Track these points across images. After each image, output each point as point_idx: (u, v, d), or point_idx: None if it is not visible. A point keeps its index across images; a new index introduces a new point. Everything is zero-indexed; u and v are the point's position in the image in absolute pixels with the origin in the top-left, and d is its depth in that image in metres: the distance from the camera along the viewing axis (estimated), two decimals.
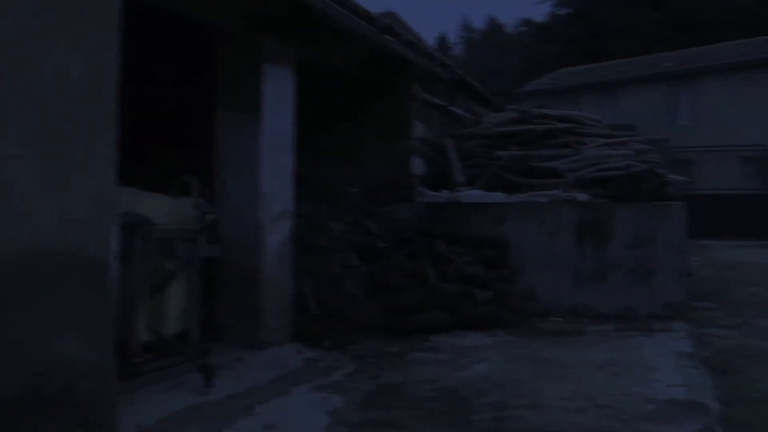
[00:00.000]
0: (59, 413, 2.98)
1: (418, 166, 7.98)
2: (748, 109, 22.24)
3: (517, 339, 6.29)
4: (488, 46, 55.46)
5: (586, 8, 40.52)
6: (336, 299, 6.07)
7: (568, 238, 7.41)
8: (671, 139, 18.69)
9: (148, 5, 4.49)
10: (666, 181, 8.01)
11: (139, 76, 5.50)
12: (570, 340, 6.26)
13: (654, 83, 25.51)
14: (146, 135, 6.32)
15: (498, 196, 7.83)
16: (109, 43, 3.25)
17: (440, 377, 4.96)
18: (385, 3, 12.19)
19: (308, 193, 6.30)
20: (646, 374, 5.06)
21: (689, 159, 21.23)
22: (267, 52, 5.49)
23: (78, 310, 3.10)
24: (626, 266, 7.30)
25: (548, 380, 4.88)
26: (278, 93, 5.63)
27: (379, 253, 6.79)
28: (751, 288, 9.65)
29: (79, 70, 3.12)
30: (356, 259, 6.57)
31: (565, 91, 26.22)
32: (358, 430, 3.82)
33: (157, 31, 6.05)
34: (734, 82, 23.40)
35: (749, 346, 6.17)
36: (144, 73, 6.31)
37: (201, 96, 5.98)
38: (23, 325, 2.89)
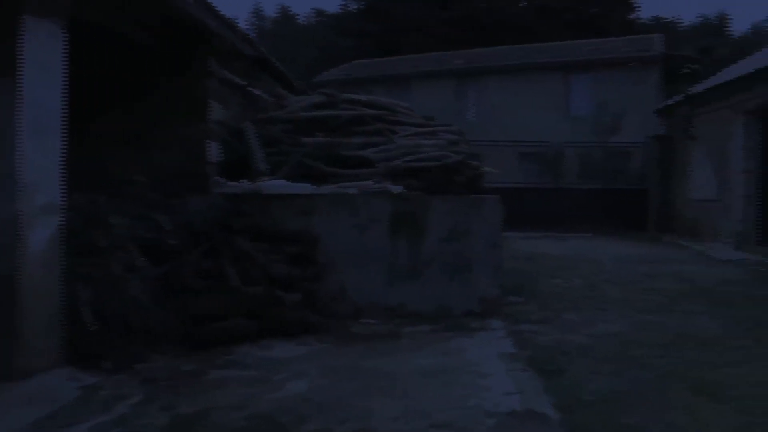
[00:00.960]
0: None
1: (214, 152, 7.08)
2: (527, 107, 23.56)
3: (332, 347, 5.69)
4: (280, 35, 54.52)
5: (379, 3, 41.07)
6: (118, 308, 5.07)
7: (381, 232, 6.94)
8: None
9: None
10: (480, 173, 7.84)
11: None
12: (388, 345, 5.77)
13: (444, 79, 26.24)
14: None
15: (304, 187, 7.16)
16: None
17: (250, 400, 4.23)
18: None
19: (84, 183, 5.22)
20: (476, 381, 4.70)
21: (476, 153, 21.98)
22: None
23: None
24: (442, 261, 7.00)
25: (374, 396, 4.34)
26: (43, 55, 4.52)
27: (170, 251, 5.85)
28: (552, 280, 9.88)
29: None
30: (143, 259, 5.60)
31: (359, 83, 26.19)
32: None
33: None
34: (514, 82, 24.66)
35: (565, 341, 6.12)
36: None
37: None
38: None
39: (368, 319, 6.65)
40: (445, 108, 23.93)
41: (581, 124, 22.93)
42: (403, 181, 7.38)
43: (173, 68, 7.01)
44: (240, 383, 4.58)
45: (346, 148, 7.63)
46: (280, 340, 5.70)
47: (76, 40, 4.86)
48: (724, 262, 12.32)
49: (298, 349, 5.55)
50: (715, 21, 52.81)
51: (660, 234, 17.71)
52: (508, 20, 37.86)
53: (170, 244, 5.93)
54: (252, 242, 6.32)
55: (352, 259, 6.86)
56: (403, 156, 7.64)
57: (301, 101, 8.49)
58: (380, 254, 6.92)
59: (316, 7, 57.77)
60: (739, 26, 55.87)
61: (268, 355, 5.35)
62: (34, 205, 4.45)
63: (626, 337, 6.29)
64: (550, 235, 17.39)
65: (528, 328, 6.61)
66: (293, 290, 6.13)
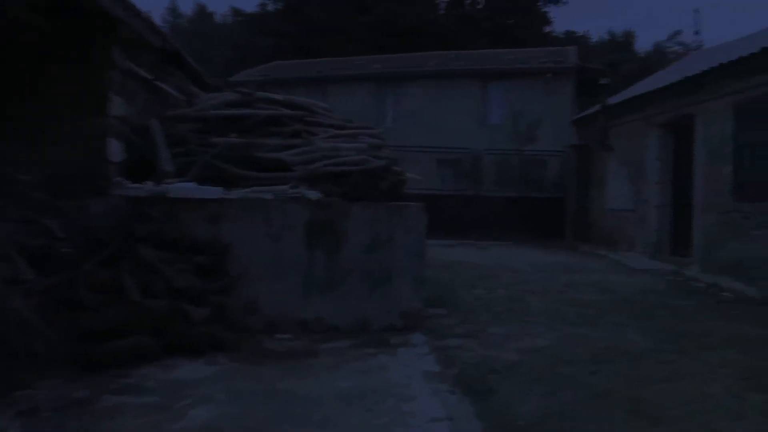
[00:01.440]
0: None
1: (116, 150, 6.47)
2: (445, 114, 23.63)
3: (243, 366, 5.20)
4: (196, 33, 53.07)
5: (297, 4, 40.59)
6: None
7: (297, 240, 6.50)
8: None
9: None
10: (402, 180, 7.51)
11: None
12: (305, 364, 5.33)
13: (363, 83, 25.94)
14: None
15: (214, 191, 6.65)
16: None
17: None
18: None
19: None
20: (401, 406, 4.34)
21: (395, 158, 21.94)
22: None
23: None
24: (362, 272, 6.63)
25: (291, 426, 3.90)
26: None
27: (63, 261, 5.25)
28: (475, 290, 9.66)
29: None
30: (29, 269, 4.97)
31: (277, 84, 25.47)
32: None
33: None
34: (432, 89, 24.68)
35: (492, 358, 5.83)
36: None
37: None
38: None
39: (283, 335, 6.19)
40: (364, 112, 23.55)
41: (498, 132, 23.03)
42: (322, 186, 6.98)
43: (71, 57, 6.38)
44: (137, 412, 4.05)
45: (260, 149, 7.16)
46: (186, 358, 5.18)
47: None
48: (641, 271, 12.42)
49: (205, 369, 5.05)
50: (621, 38, 54.59)
51: (577, 243, 17.90)
52: (426, 27, 37.80)
53: (62, 252, 5.33)
54: (156, 251, 5.76)
55: (266, 269, 6.41)
56: (322, 159, 7.23)
57: (214, 99, 7.97)
58: (296, 264, 6.50)
59: (234, 5, 56.44)
60: (643, 44, 57.80)
61: (171, 376, 4.82)
62: None
63: (555, 351, 6.06)
64: (469, 243, 17.29)
65: (453, 343, 6.30)
66: (201, 304, 5.61)
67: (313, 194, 6.83)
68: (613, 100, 16.94)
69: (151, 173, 6.74)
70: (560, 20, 53.93)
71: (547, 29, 44.37)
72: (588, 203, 18.36)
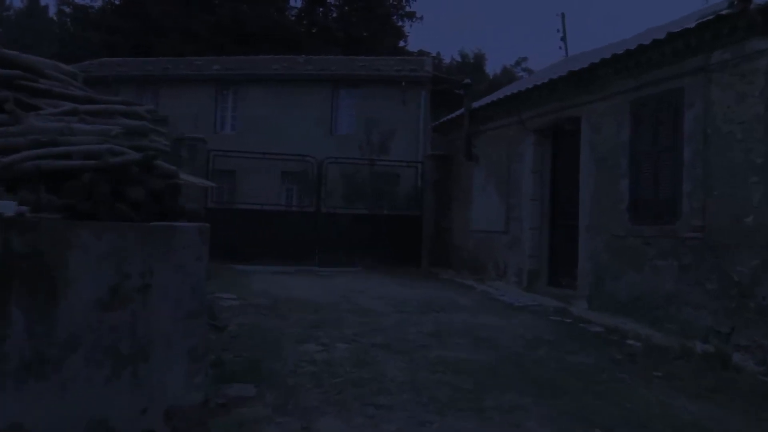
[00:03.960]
0: None
1: None
2: (291, 122, 21.90)
3: None
4: (26, 27, 47.99)
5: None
6: None
7: None
8: (218, 145, 16.58)
9: None
10: (176, 185, 4.67)
11: None
12: None
13: (201, 85, 23.57)
14: None
15: None
16: None
17: None
18: None
19: None
20: None
21: (232, 170, 19.65)
22: None
23: None
24: (95, 345, 3.88)
25: None
26: None
27: None
28: (305, 345, 6.97)
29: None
30: None
31: (101, 82, 22.24)
32: None
33: None
34: (278, 95, 22.91)
35: None
36: None
37: None
38: None
39: None
40: (201, 118, 22.24)
41: (348, 142, 21.15)
42: (26, 193, 3.99)
43: None
44: None
45: None
46: None
47: None
48: (519, 308, 10.17)
49: None
50: (473, 60, 54.74)
51: (437, 269, 15.60)
52: (275, 32, 35.79)
53: None
54: None
55: None
56: (35, 147, 4.21)
57: None
58: None
59: None
60: (492, 67, 58.80)
61: None
62: None
63: None
64: (309, 271, 14.59)
65: None
66: None
67: (9, 206, 3.84)
68: (484, 101, 14.69)
69: None
70: (413, 39, 53.95)
71: (402, 44, 43.09)
72: (450, 223, 16.04)
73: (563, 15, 19.45)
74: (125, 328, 3.92)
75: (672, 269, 8.33)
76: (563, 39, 19.07)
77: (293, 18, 41.18)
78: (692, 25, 7.89)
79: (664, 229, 8.55)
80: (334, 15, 41.97)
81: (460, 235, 15.36)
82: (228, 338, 7.06)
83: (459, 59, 55.37)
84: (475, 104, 14.59)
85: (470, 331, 8.07)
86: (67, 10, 42.63)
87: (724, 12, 7.39)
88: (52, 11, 52.86)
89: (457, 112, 15.84)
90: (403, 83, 22.51)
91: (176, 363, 4.07)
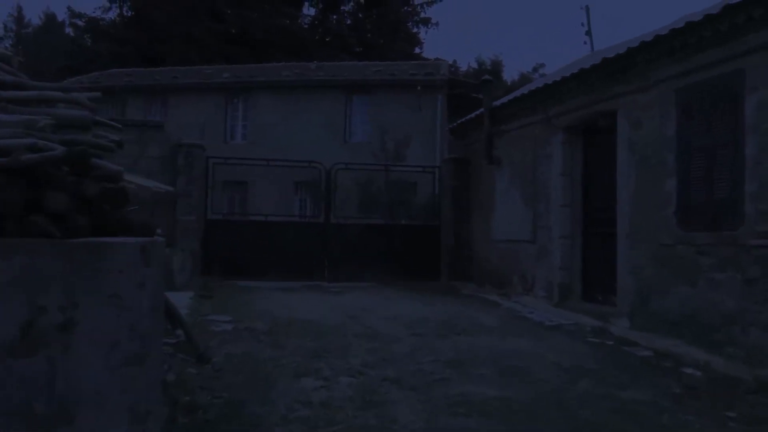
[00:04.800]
0: None
1: None
2: (303, 130, 21.19)
3: None
4: (42, 43, 48.01)
5: (145, 10, 36.27)
6: None
7: None
8: (228, 155, 15.67)
9: None
10: (117, 191, 3.53)
11: None
12: None
13: (210, 94, 23.01)
14: None
15: None
16: None
17: None
18: None
19: None
20: None
21: (243, 180, 19.18)
22: None
23: None
24: None
25: None
26: None
27: None
28: (302, 381, 5.85)
29: None
30: None
31: (109, 92, 21.94)
32: None
33: None
34: (289, 102, 22.23)
35: None
36: None
37: None
38: None
39: None
40: (210, 127, 21.63)
41: (362, 150, 19.98)
42: None
43: None
44: None
45: None
46: None
47: None
48: (552, 328, 8.99)
49: None
50: (489, 67, 53.62)
51: (456, 283, 14.38)
52: (286, 40, 35.11)
53: None
54: None
55: None
56: None
57: None
58: None
59: (76, 8, 51.79)
60: (509, 74, 57.67)
61: None
62: None
63: None
64: (317, 287, 13.46)
65: None
66: None
67: None
68: (505, 99, 13.48)
69: None
70: (429, 47, 52.99)
71: (417, 51, 42.16)
72: (470, 232, 14.86)
73: (587, 8, 18.16)
74: (40, 381, 2.86)
75: (734, 283, 7.12)
76: (588, 33, 17.79)
77: (305, 26, 40.46)
78: None
79: (722, 236, 7.34)
80: (348, 22, 41.25)
81: (482, 246, 14.17)
82: (211, 373, 5.96)
83: (476, 66, 54.43)
84: (497, 103, 13.40)
85: (497, 358, 6.89)
86: (79, 23, 42.39)
87: None
88: (67, 26, 53.26)
89: (476, 112, 14.66)
90: (419, 87, 21.75)
91: (111, 426, 3.00)
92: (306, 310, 9.92)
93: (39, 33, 54.25)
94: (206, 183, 13.84)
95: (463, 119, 15.62)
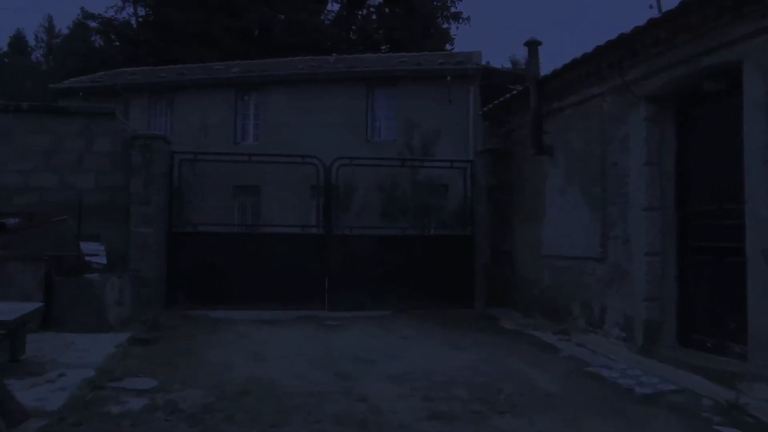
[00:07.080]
0: None
1: None
2: (321, 128, 19.52)
3: None
4: (72, 51, 47.51)
5: (160, 9, 35.82)
6: None
7: None
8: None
9: None
10: None
11: None
12: None
13: (220, 91, 21.66)
14: None
15: None
16: None
17: None
18: None
19: None
20: None
21: (256, 185, 18.03)
22: None
23: None
24: None
25: None
26: None
27: None
28: None
29: None
30: None
31: (112, 91, 21.28)
32: None
33: None
34: (305, 98, 20.78)
35: None
36: None
37: None
38: None
39: None
40: (220, 127, 20.75)
41: (386, 150, 17.80)
42: None
43: None
44: None
45: None
46: None
47: None
48: (649, 401, 5.74)
49: None
50: (523, 65, 51.22)
51: (495, 311, 11.13)
52: (309, 35, 33.55)
53: None
54: None
55: None
56: None
57: None
58: None
59: (88, 9, 51.79)
60: (544, 72, 55.43)
61: None
62: None
63: None
64: (313, 318, 10.36)
65: None
66: None
67: None
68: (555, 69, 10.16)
69: None
70: (459, 44, 50.32)
71: (447, 48, 39.64)
72: (512, 245, 11.50)
73: None
74: None
75: None
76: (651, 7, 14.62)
77: (328, 23, 38.50)
78: None
79: None
80: (375, 18, 39.09)
81: (529, 263, 10.84)
82: None
83: (509, 65, 52.16)
84: (546, 73, 10.11)
85: None
86: (93, 24, 41.95)
87: None
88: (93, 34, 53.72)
89: (518, 87, 11.41)
90: (448, 78, 19.84)
91: None
92: (279, 363, 6.83)
93: (67, 41, 54.83)
94: (170, 185, 10.78)
95: (499, 100, 12.19)
